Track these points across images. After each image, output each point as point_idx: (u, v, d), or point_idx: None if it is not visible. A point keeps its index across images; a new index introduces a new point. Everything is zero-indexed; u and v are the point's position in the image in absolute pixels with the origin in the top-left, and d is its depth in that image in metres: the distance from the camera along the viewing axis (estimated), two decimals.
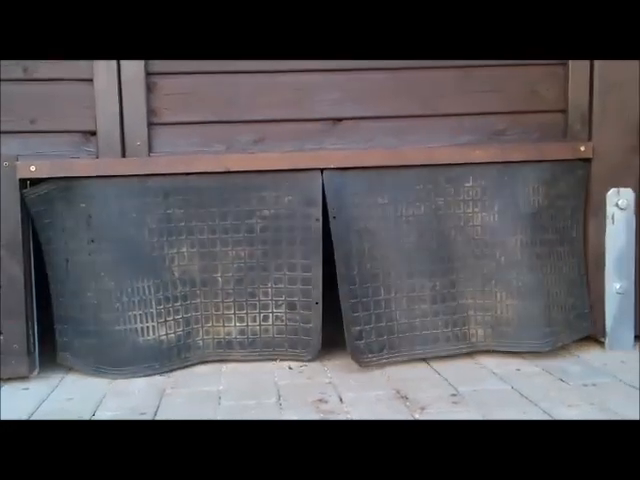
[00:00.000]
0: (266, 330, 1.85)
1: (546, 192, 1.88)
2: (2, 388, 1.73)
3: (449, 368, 1.78)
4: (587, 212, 1.92)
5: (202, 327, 1.84)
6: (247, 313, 1.84)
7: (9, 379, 1.77)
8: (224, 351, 1.85)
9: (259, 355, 1.85)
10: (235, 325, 1.85)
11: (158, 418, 1.49)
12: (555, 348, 1.86)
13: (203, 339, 1.85)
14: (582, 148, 1.89)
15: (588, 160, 1.90)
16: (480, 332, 1.88)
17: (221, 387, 1.69)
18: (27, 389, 1.73)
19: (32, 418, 1.51)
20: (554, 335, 1.87)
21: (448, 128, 1.94)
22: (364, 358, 1.80)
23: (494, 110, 1.94)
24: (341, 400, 1.56)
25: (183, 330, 1.82)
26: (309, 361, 1.82)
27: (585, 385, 1.62)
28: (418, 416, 1.44)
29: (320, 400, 1.56)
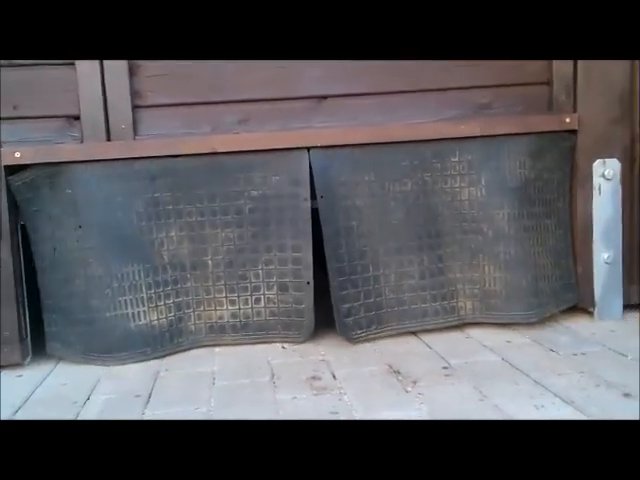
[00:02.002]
0: (258, 313, 1.84)
1: (532, 165, 1.88)
2: None
3: (440, 341, 1.79)
4: (574, 183, 1.93)
5: (194, 312, 1.83)
6: (238, 296, 1.83)
7: (2, 367, 1.77)
8: (217, 335, 1.84)
9: (252, 338, 1.84)
10: (227, 308, 1.84)
11: (153, 400, 1.49)
12: (542, 319, 1.88)
13: (195, 324, 1.84)
14: (567, 120, 1.89)
15: (574, 131, 1.91)
16: (468, 305, 1.90)
17: (215, 368, 1.69)
18: (21, 376, 1.73)
19: (26, 404, 1.52)
20: (541, 306, 1.89)
21: (433, 103, 1.93)
22: (353, 334, 1.82)
23: (478, 84, 1.94)
24: (334, 377, 1.57)
25: (175, 315, 1.81)
26: (302, 342, 1.82)
27: (575, 354, 1.64)
28: (410, 389, 1.46)
29: (313, 377, 1.58)
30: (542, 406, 1.32)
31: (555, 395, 1.37)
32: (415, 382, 1.50)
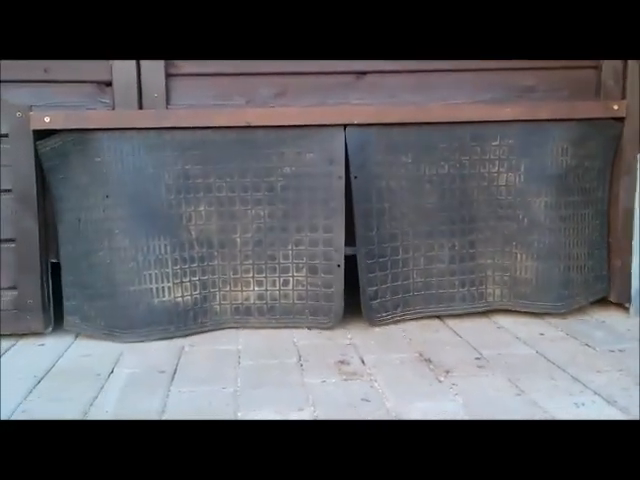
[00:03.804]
0: (286, 295, 1.78)
1: (575, 152, 1.82)
2: (17, 344, 1.71)
3: (469, 330, 1.75)
4: (618, 173, 1.87)
5: (219, 291, 1.78)
6: (266, 277, 1.78)
7: (24, 335, 1.75)
8: (242, 317, 1.79)
9: (278, 322, 1.79)
10: (254, 289, 1.78)
11: (178, 376, 1.46)
12: (571, 310, 1.84)
13: (220, 304, 1.78)
14: (615, 107, 1.82)
15: (621, 119, 1.83)
16: (497, 292, 1.86)
17: (240, 347, 1.66)
18: (43, 345, 1.70)
19: (49, 374, 1.49)
20: (571, 297, 1.85)
21: (474, 84, 1.87)
22: (377, 317, 1.78)
23: (522, 66, 1.86)
24: (363, 362, 1.53)
25: (200, 293, 1.76)
26: (330, 328, 1.77)
27: (612, 351, 1.58)
28: (443, 379, 1.41)
29: (342, 362, 1.54)
30: (582, 404, 1.27)
31: (595, 393, 1.32)
32: (448, 372, 1.45)
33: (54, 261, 1.78)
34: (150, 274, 1.73)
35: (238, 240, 1.77)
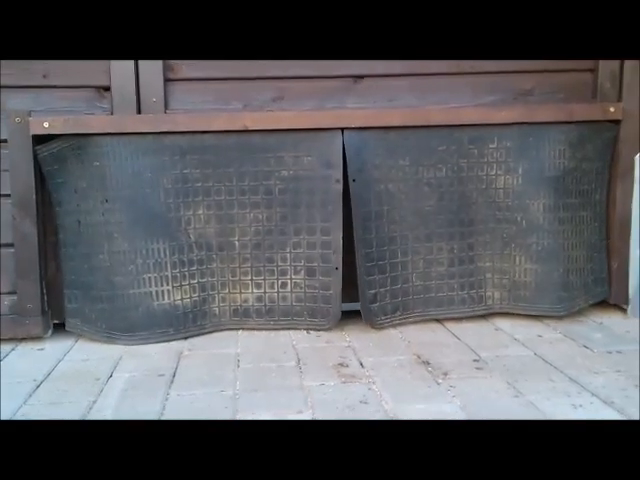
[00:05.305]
0: (284, 297, 1.80)
1: (572, 154, 1.82)
2: (17, 348, 1.72)
3: (468, 332, 1.75)
4: (615, 175, 1.87)
5: (218, 294, 1.79)
6: (265, 279, 1.79)
7: (23, 339, 1.76)
8: (240, 319, 1.81)
9: (277, 324, 1.80)
10: (252, 292, 1.80)
11: (177, 380, 1.46)
12: (571, 313, 1.84)
13: (219, 306, 1.80)
14: (612, 109, 1.82)
15: (617, 122, 1.84)
16: (496, 295, 1.86)
17: (239, 350, 1.66)
18: (42, 349, 1.71)
19: (48, 378, 1.50)
20: (571, 300, 1.85)
21: (472, 87, 1.87)
22: (377, 320, 1.79)
23: (520, 69, 1.87)
24: (362, 365, 1.54)
25: (199, 296, 1.78)
26: (328, 330, 1.78)
27: (609, 352, 1.59)
28: (441, 381, 1.42)
29: (340, 364, 1.54)
30: (580, 405, 1.28)
31: (593, 394, 1.33)
32: (446, 374, 1.46)
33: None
34: (149, 277, 1.74)
35: (237, 243, 1.78)
